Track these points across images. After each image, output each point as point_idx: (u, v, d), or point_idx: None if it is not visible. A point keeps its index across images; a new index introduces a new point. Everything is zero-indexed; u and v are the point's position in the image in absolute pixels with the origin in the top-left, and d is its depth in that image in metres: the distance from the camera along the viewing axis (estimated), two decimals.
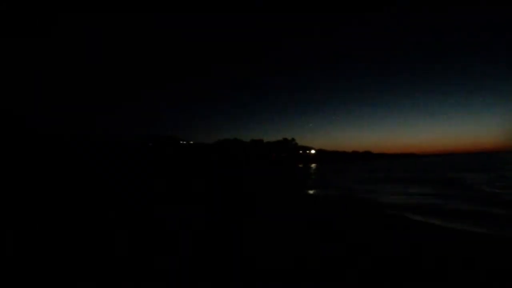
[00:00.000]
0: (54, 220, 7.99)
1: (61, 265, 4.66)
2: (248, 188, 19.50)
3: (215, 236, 6.48)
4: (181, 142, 74.78)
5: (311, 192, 17.20)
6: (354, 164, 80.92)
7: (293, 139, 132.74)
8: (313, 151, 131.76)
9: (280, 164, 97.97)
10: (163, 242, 5.95)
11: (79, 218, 8.41)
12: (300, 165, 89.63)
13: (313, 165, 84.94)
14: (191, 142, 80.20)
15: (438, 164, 56.22)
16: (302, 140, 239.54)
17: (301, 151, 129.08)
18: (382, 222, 7.99)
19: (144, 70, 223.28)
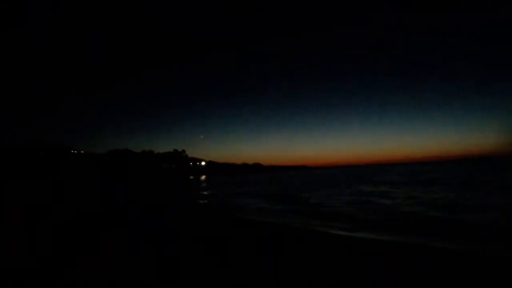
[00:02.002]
0: None
1: None
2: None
3: None
4: (72, 151, 71.00)
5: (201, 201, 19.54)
6: (244, 176, 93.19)
7: (183, 151, 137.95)
8: (203, 163, 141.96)
9: (170, 175, 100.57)
10: None
11: None
12: (192, 177, 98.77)
13: (203, 177, 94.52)
14: (82, 152, 76.66)
15: (315, 177, 60.23)
16: (193, 152, 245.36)
17: (191, 163, 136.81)
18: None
19: (39, 75, 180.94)
